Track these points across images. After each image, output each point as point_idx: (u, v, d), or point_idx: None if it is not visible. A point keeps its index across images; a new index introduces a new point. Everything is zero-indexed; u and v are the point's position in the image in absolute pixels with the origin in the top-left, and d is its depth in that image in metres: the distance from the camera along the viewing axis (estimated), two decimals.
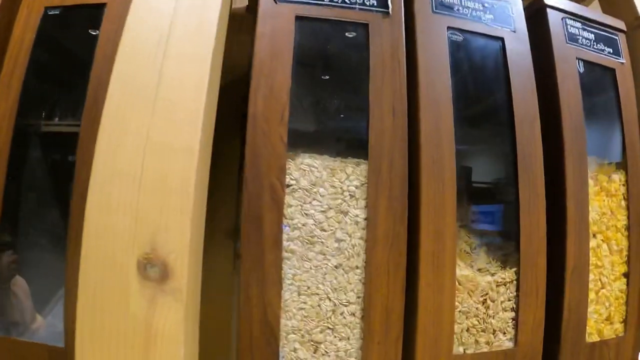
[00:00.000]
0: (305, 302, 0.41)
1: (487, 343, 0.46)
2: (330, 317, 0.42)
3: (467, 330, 0.45)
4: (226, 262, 0.62)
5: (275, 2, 0.44)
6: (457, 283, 0.45)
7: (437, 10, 0.48)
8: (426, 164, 0.44)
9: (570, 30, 0.55)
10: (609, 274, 0.54)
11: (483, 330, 0.46)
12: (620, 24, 0.59)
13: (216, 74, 0.42)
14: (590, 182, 0.55)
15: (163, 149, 0.36)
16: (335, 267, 0.42)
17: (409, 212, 0.43)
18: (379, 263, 0.42)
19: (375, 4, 0.46)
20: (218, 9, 0.40)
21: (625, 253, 0.56)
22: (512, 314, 0.47)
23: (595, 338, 0.53)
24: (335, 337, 0.42)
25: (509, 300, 0.47)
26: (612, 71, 0.57)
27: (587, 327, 0.52)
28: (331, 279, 0.42)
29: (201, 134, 0.37)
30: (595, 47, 0.56)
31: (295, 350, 0.41)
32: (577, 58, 0.54)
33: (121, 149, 0.36)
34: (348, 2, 0.46)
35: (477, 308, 0.45)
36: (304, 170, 0.42)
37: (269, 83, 0.42)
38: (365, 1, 0.46)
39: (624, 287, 0.55)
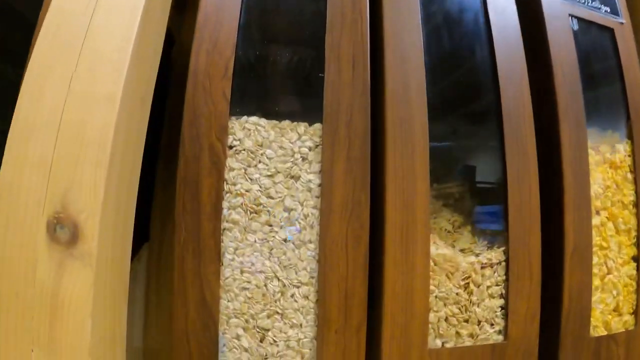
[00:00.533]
0: (249, 282, 0.34)
1: (471, 335, 0.38)
2: (279, 300, 0.34)
3: (446, 319, 0.37)
4: None
5: None
6: (432, 263, 0.37)
7: None
8: (392, 122, 0.37)
9: None
10: (615, 257, 0.45)
11: (465, 321, 0.37)
12: None
13: (153, 27, 0.36)
14: (591, 152, 0.46)
15: (84, 98, 0.30)
16: (284, 240, 0.35)
17: (374, 178, 0.37)
18: (335, 236, 0.35)
19: None
20: None
21: (634, 233, 0.47)
22: (501, 302, 0.39)
23: (601, 332, 0.44)
24: (285, 323, 0.34)
25: (497, 285, 0.39)
26: (610, 31, 0.49)
27: (592, 319, 0.43)
28: (279, 255, 0.34)
29: (124, 83, 0.31)
30: (590, 4, 0.49)
31: (238, 337, 0.34)
32: (570, 15, 0.47)
33: (42, 101, 0.31)
34: None
35: (457, 294, 0.37)
36: (249, 129, 0.35)
37: (213, 37, 0.36)
38: None
39: (634, 272, 0.46)
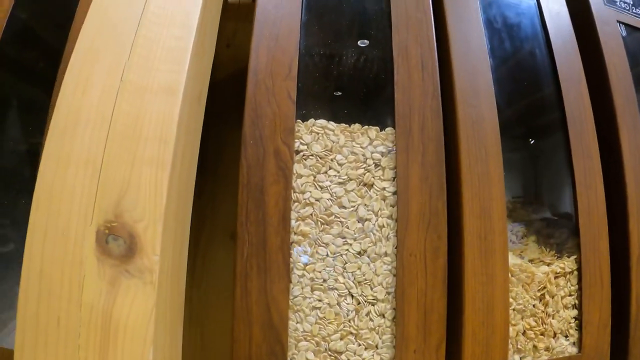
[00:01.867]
0: (320, 300, 0.28)
1: (547, 349, 0.33)
2: (353, 319, 0.29)
3: (524, 333, 0.32)
4: (229, 266, 0.50)
5: None
6: (509, 274, 0.32)
7: None
8: (464, 124, 0.32)
9: None
10: None
11: (542, 334, 0.32)
12: None
13: (211, 18, 0.30)
14: None
15: (140, 90, 0.24)
16: (359, 253, 0.29)
17: (447, 185, 0.32)
18: (413, 248, 0.30)
19: None
20: None
21: None
22: (575, 312, 0.34)
23: None
24: (359, 345, 0.29)
25: (570, 295, 0.34)
26: None
27: None
28: (353, 270, 0.29)
29: (186, 75, 0.26)
30: (634, 11, 0.45)
31: None
32: (617, 21, 0.43)
33: (89, 91, 0.25)
34: None
35: (534, 305, 0.32)
36: (318, 133, 0.30)
37: (274, 33, 0.31)
38: None
39: None
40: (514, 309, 0.30)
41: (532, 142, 0.36)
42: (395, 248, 0.28)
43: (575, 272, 0.33)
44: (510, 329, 0.30)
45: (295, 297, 0.27)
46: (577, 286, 0.33)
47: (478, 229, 0.29)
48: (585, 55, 0.39)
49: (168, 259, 0.23)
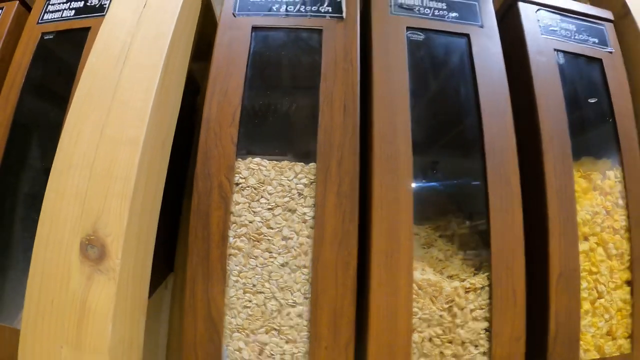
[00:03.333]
0: (250, 301, 0.35)
1: (455, 356, 0.36)
2: (276, 318, 0.35)
3: (430, 340, 0.36)
4: None
5: (234, 16, 0.41)
6: (416, 287, 0.36)
7: (395, 12, 0.42)
8: (379, 158, 0.37)
9: (546, 22, 0.45)
10: (607, 281, 0.42)
11: (449, 341, 0.36)
12: (607, 14, 0.47)
13: (173, 80, 0.38)
14: (582, 180, 0.43)
15: (113, 142, 0.33)
16: (282, 265, 0.35)
17: (364, 209, 0.37)
18: (326, 262, 0.35)
19: (330, 10, 0.41)
20: (173, 23, 0.38)
21: (627, 257, 0.43)
22: (485, 324, 0.37)
23: (593, 355, 0.40)
24: (281, 339, 0.35)
25: (481, 308, 0.37)
26: (599, 62, 0.46)
27: (582, 342, 0.40)
28: (277, 278, 0.35)
29: (147, 129, 0.34)
30: (577, 37, 0.46)
31: (240, 349, 0.35)
32: (555, 49, 0.45)
33: (79, 143, 0.34)
34: (303, 10, 0.41)
35: (441, 316, 0.36)
36: (253, 169, 0.36)
37: (223, 88, 0.38)
38: (319, 8, 0.41)
39: (628, 296, 0.42)
40: (419, 318, 0.35)
41: (435, 172, 0.39)
42: (312, 262, 0.34)
43: (487, 288, 0.36)
44: (416, 335, 0.34)
45: (231, 297, 0.34)
46: (488, 301, 0.36)
47: (385, 247, 0.34)
48: (521, 84, 0.42)
49: (129, 264, 0.31)
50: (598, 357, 0.39)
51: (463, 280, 0.36)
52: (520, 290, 0.36)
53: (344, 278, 0.34)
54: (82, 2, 0.44)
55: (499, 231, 0.37)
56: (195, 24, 0.41)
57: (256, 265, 0.34)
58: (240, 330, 0.34)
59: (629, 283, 0.41)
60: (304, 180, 0.35)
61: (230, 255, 0.34)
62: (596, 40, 0.45)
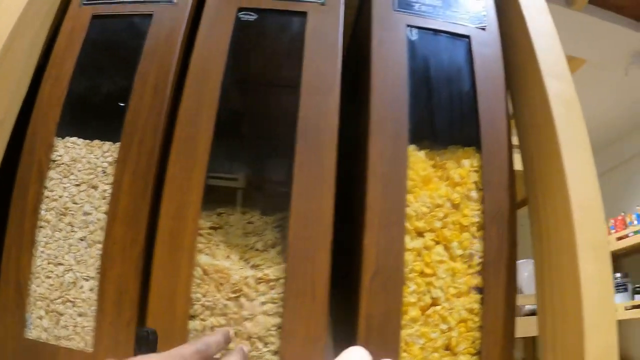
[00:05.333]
0: (52, 271, 0.36)
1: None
2: (72, 290, 0.35)
3: (212, 329, 0.33)
4: None
5: (80, 6, 0.43)
6: (202, 272, 0.34)
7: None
8: (179, 139, 0.36)
9: None
10: (446, 286, 0.35)
11: (234, 334, 0.33)
12: None
13: (17, 66, 0.40)
14: (430, 168, 0.37)
15: None
16: (80, 239, 0.36)
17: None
18: (116, 238, 0.35)
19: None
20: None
21: (477, 260, 0.35)
22: (278, 320, 0.34)
23: None
24: (75, 311, 0.35)
25: (274, 302, 0.34)
26: (467, 39, 0.39)
27: (407, 355, 0.34)
28: (75, 251, 0.36)
29: None
30: (441, 13, 0.40)
31: (41, 317, 0.36)
32: (408, 25, 0.39)
33: None
34: None
35: (225, 305, 0.34)
36: (68, 147, 0.38)
37: (56, 73, 0.40)
38: None
39: (476, 306, 0.35)
40: (202, 305, 0.33)
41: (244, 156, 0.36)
42: (104, 238, 0.34)
43: (282, 281, 0.33)
44: (198, 322, 0.33)
45: (37, 267, 0.36)
46: (282, 294, 0.33)
47: (170, 228, 0.33)
48: (364, 63, 0.38)
49: None
50: None
51: (256, 269, 0.34)
52: (322, 285, 0.33)
53: (131, 254, 0.34)
54: None
55: (301, 218, 0.33)
56: (50, 17, 0.44)
57: (59, 238, 0.36)
58: (43, 299, 0.35)
59: (478, 290, 0.34)
60: (109, 159, 0.36)
61: (40, 227, 0.36)
62: (465, 16, 0.39)
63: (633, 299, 1.71)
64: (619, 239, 1.76)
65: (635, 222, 1.74)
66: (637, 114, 1.89)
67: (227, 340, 0.29)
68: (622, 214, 1.83)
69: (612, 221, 1.85)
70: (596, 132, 2.03)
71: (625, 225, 1.79)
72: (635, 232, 1.70)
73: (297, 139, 0.34)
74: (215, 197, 0.41)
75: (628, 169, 2.07)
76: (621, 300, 1.76)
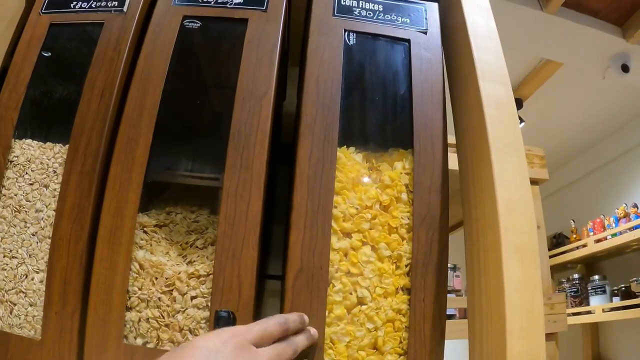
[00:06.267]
0: (7, 264, 0.39)
1: (172, 341, 0.35)
2: (24, 281, 0.38)
3: (147, 320, 0.35)
4: None
5: (40, 14, 0.45)
6: (138, 266, 0.36)
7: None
8: (121, 140, 0.37)
9: (343, 3, 0.40)
10: (373, 285, 0.35)
11: (166, 325, 0.35)
12: None
13: None
14: (362, 170, 0.38)
15: None
16: (32, 234, 0.38)
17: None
18: (62, 234, 0.37)
19: (115, 5, 0.43)
20: None
21: (405, 261, 0.36)
22: (207, 314, 0.35)
23: None
24: (26, 301, 0.38)
25: (204, 297, 0.35)
26: (406, 42, 0.39)
27: (332, 352, 0.35)
28: (28, 245, 0.38)
29: None
30: (381, 17, 0.40)
31: None
32: (346, 30, 0.40)
33: None
34: (87, 7, 0.44)
35: (159, 298, 0.35)
36: (24, 149, 0.41)
37: (14, 79, 0.43)
38: (105, 3, 0.43)
39: (404, 306, 0.35)
40: (138, 297, 0.35)
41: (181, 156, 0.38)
42: (52, 233, 0.37)
43: (211, 276, 0.34)
44: (134, 314, 0.35)
45: None
46: (211, 290, 0.34)
47: (110, 224, 0.35)
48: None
49: None
50: None
51: (190, 264, 0.35)
52: (248, 282, 0.34)
53: (75, 250, 0.36)
54: None
55: (230, 217, 0.35)
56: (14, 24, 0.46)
57: (14, 233, 0.38)
58: None
59: (407, 291, 0.35)
60: (60, 160, 0.39)
61: None
62: (407, 20, 0.39)
63: (611, 301, 1.66)
64: (597, 241, 1.72)
65: (614, 225, 1.68)
66: (615, 117, 1.84)
67: (303, 322, 0.32)
68: (602, 216, 1.77)
69: (591, 224, 1.81)
70: (575, 136, 2.00)
71: (604, 228, 1.73)
72: (613, 235, 1.64)
73: (229, 141, 0.36)
74: (167, 197, 0.43)
75: (607, 172, 2.01)
76: (599, 302, 1.71)
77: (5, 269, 0.38)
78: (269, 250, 0.51)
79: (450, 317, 1.00)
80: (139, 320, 0.35)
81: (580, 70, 1.37)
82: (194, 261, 0.37)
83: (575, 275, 1.92)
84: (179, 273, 0.35)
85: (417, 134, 0.37)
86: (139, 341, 0.35)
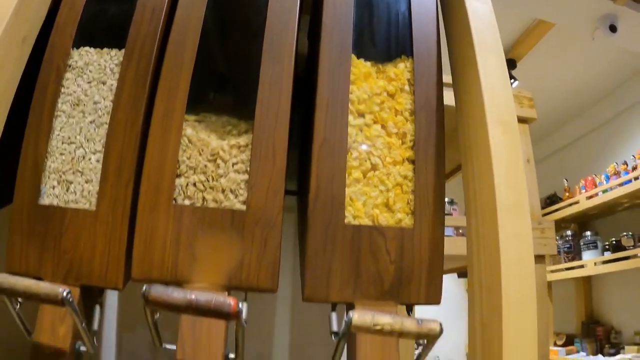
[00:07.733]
0: (65, 149, 0.45)
1: (215, 200, 0.41)
2: (81, 162, 0.44)
3: (194, 185, 0.41)
4: None
5: None
6: (187, 141, 0.43)
7: None
8: (172, 42, 0.45)
9: None
10: (384, 155, 0.43)
11: (211, 188, 0.41)
12: None
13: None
14: (371, 68, 0.46)
15: None
16: (90, 122, 0.45)
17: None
18: (120, 119, 0.44)
19: None
20: None
21: (410, 138, 0.44)
22: (245, 177, 0.41)
23: (362, 221, 0.41)
24: (82, 179, 0.44)
25: (243, 163, 0.42)
26: None
27: (351, 208, 0.42)
28: (86, 132, 0.45)
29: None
30: None
31: (53, 187, 0.44)
32: None
33: None
34: None
35: (205, 165, 0.42)
36: (82, 55, 0.48)
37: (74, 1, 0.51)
38: None
39: (409, 173, 0.43)
40: (187, 165, 0.41)
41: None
42: (110, 120, 0.43)
43: (250, 146, 0.41)
44: (184, 179, 0.41)
45: (52, 147, 0.44)
46: (249, 156, 0.41)
47: (163, 109, 0.42)
48: None
49: None
50: (370, 224, 0.41)
51: (231, 138, 0.42)
52: (281, 153, 0.41)
53: (131, 132, 0.42)
54: None
55: (264, 105, 0.42)
56: None
57: (73, 123, 0.44)
58: (56, 172, 0.43)
59: (411, 161, 0.43)
60: (116, 61, 0.45)
61: (57, 115, 0.45)
62: None
63: (603, 255, 1.75)
64: (589, 198, 1.82)
65: (605, 182, 1.79)
66: (607, 79, 1.89)
67: None
68: (593, 175, 1.89)
69: (583, 182, 1.92)
70: (568, 99, 2.04)
71: (595, 185, 1.85)
72: (604, 192, 1.75)
73: (264, 43, 0.44)
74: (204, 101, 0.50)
75: (599, 134, 2.12)
76: (591, 256, 1.80)
77: (64, 154, 0.44)
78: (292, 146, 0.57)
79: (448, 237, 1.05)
80: (187, 185, 0.41)
81: (571, 31, 1.41)
82: (231, 137, 0.43)
83: (568, 232, 1.98)
84: (222, 145, 0.42)
85: (416, 41, 0.45)
86: (187, 202, 0.41)
